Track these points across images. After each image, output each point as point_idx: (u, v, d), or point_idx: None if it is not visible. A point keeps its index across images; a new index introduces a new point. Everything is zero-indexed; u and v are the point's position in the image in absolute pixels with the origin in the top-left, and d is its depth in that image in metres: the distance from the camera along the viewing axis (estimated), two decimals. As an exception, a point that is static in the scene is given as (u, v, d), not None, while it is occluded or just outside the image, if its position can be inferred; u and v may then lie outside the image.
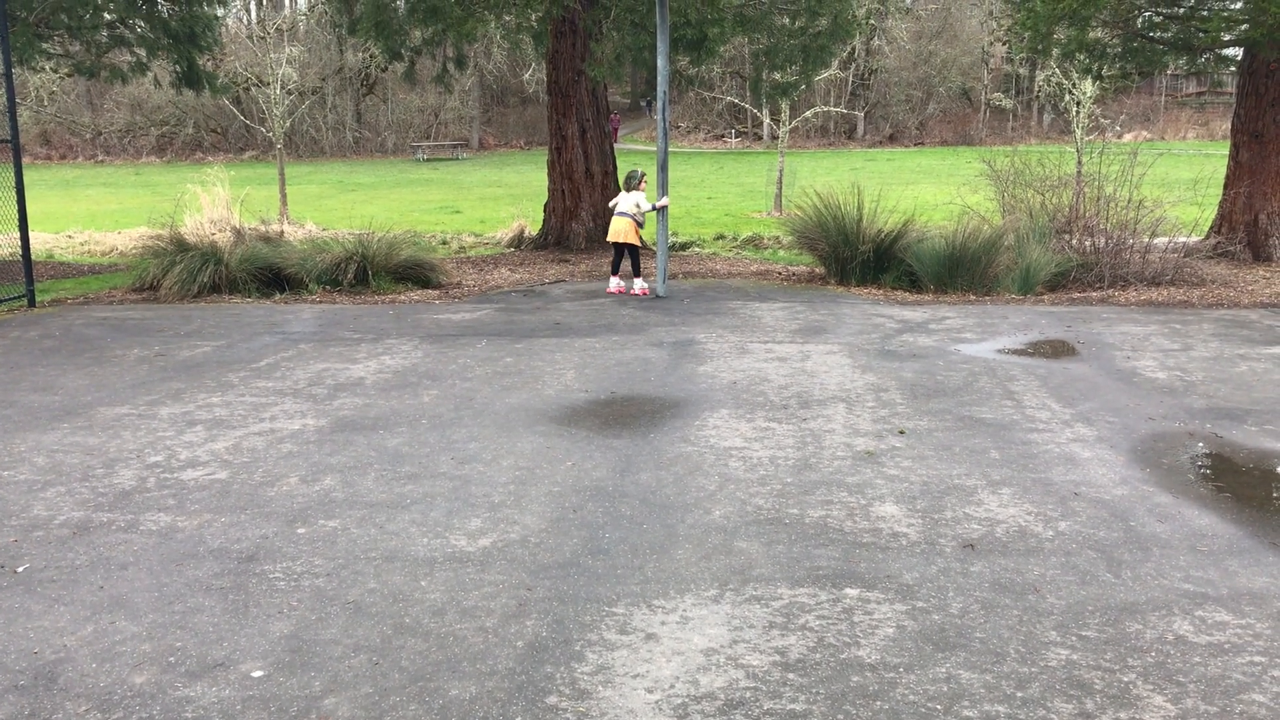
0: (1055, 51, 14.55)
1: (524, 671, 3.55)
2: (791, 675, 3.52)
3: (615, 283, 11.95)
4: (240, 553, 4.57)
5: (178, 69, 13.79)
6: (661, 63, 11.18)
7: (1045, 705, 3.33)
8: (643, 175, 11.83)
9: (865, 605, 4.04)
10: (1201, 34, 12.72)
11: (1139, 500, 5.14)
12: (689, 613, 3.98)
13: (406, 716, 3.29)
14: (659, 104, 11.31)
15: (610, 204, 11.89)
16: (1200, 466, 5.69)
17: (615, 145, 45.27)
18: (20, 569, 4.43)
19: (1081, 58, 14.52)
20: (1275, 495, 5.31)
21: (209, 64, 17.39)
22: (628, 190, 11.74)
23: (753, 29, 14.50)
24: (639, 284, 11.72)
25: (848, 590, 4.17)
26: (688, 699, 3.38)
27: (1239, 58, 13.67)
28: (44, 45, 14.53)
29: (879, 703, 3.35)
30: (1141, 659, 3.62)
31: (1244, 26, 12.23)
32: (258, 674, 3.55)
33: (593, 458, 5.85)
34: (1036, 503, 5.12)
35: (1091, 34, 13.66)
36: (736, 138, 49.42)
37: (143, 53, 13.91)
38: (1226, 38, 12.73)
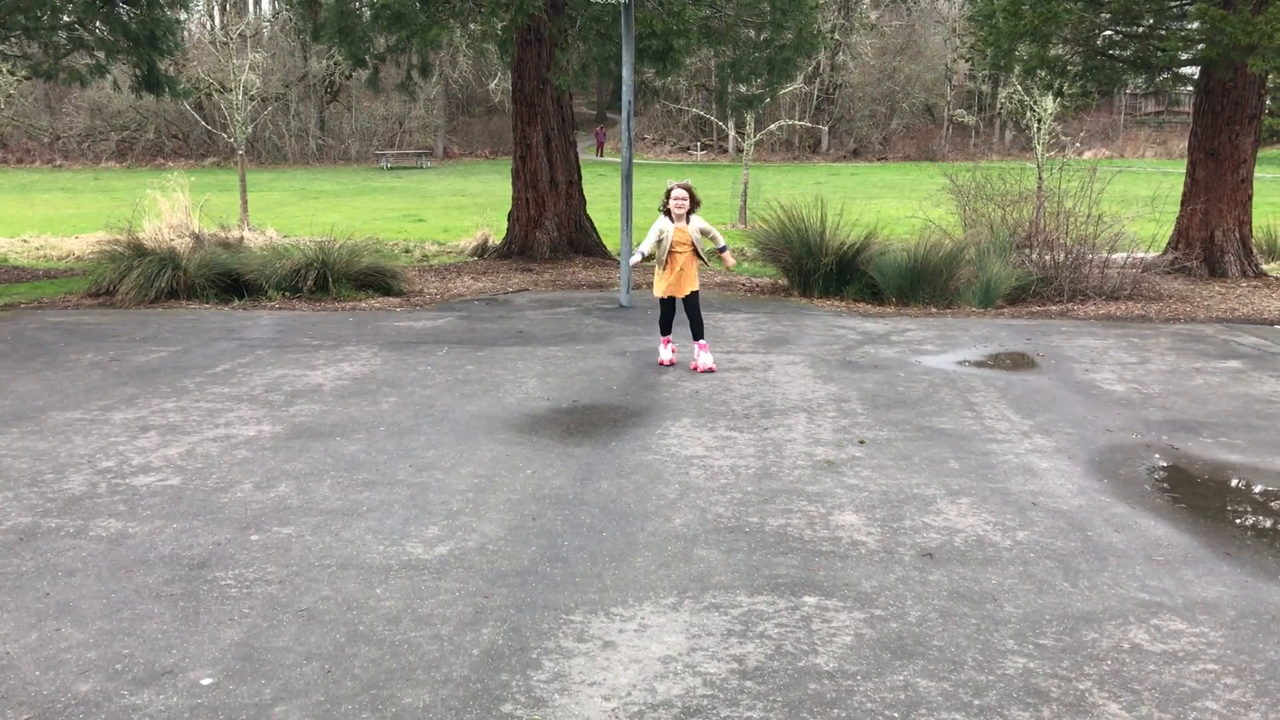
0: (1017, 68, 14.71)
1: (479, 679, 3.51)
2: (749, 683, 3.50)
3: (668, 352, 8.43)
4: (192, 559, 4.49)
5: (138, 72, 13.63)
6: (626, 73, 11.18)
7: (1002, 713, 3.33)
8: (680, 191, 8.11)
9: (824, 613, 4.02)
10: (1160, 53, 12.91)
11: (1096, 510, 5.17)
12: (647, 620, 3.95)
13: (358, 725, 3.23)
14: (623, 114, 11.31)
15: (658, 239, 8.05)
16: (1156, 477, 5.74)
17: (597, 157, 44.93)
18: (-36, 575, 4.32)
19: (1043, 74, 14.69)
20: (1229, 506, 5.36)
21: (170, 68, 17.17)
22: (677, 216, 8.06)
23: (718, 41, 14.55)
24: (706, 359, 8.20)
25: (806, 598, 4.15)
26: (645, 707, 3.35)
27: (1196, 76, 13.87)
28: (0, 46, 14.33)
29: (836, 710, 3.34)
30: (1098, 667, 3.63)
31: (1200, 46, 12.42)
32: (207, 681, 3.48)
33: (553, 466, 5.80)
34: (995, 512, 5.13)
35: (1053, 51, 13.82)
36: (702, 150, 49.58)
37: (102, 55, 13.73)
38: (1184, 56, 12.92)
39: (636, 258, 8.15)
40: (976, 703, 3.39)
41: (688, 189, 8.12)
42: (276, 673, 3.54)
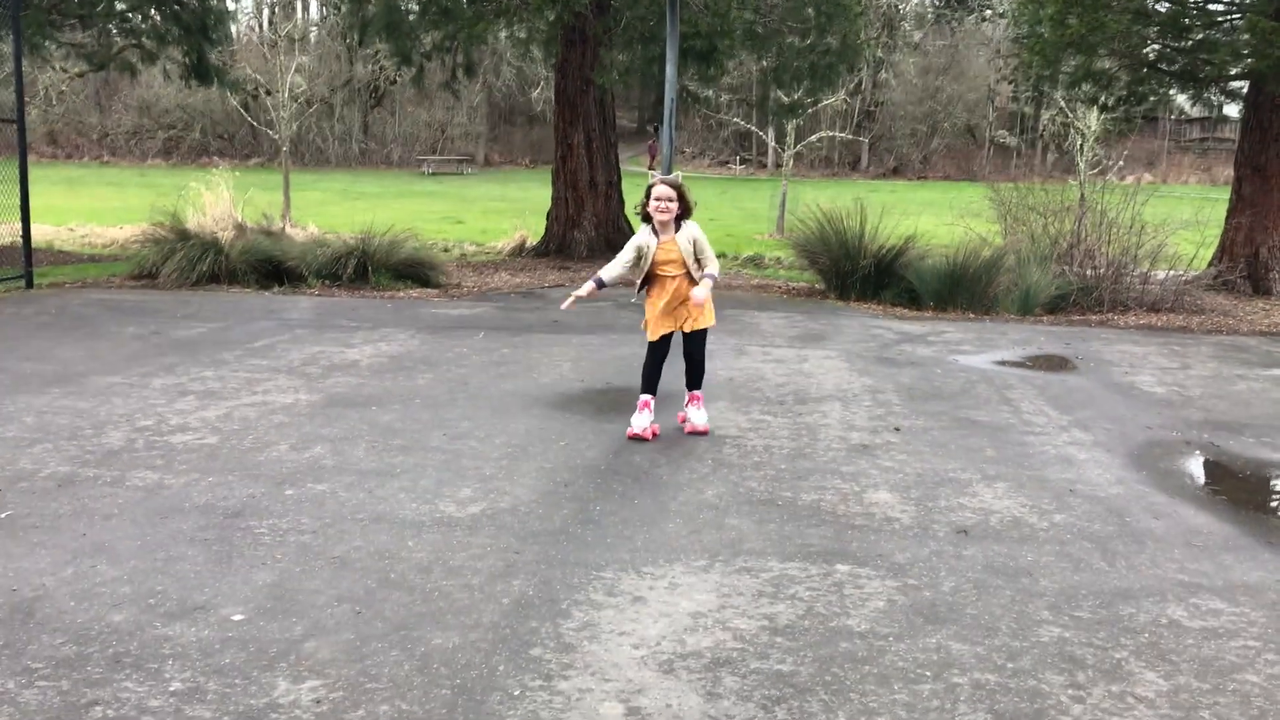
0: (1062, 80, 14.62)
1: (509, 625, 3.50)
2: (779, 639, 3.47)
3: (646, 418, 5.93)
4: (226, 509, 4.52)
5: (187, 61, 13.82)
6: (670, 70, 11.22)
7: (1036, 676, 3.28)
8: (664, 190, 5.76)
9: (856, 580, 3.99)
10: (1208, 66, 12.79)
11: (1135, 499, 5.10)
12: (678, 580, 3.93)
13: (388, 661, 3.24)
14: (665, 110, 11.34)
15: (634, 258, 5.86)
16: (1197, 471, 5.66)
17: (648, 170, 44.90)
18: (2, 515, 4.37)
19: (1088, 87, 14.58)
20: (1273, 500, 5.27)
21: (219, 62, 17.43)
22: (661, 225, 5.80)
23: (761, 45, 14.56)
24: (700, 416, 6.11)
25: (839, 566, 4.12)
26: (674, 656, 3.33)
27: (1245, 91, 13.72)
28: (56, 34, 14.57)
29: (868, 667, 3.30)
30: (1134, 639, 3.57)
31: (1249, 60, 12.28)
32: (238, 617, 3.50)
33: (586, 439, 5.80)
34: (1032, 497, 5.07)
35: (1098, 64, 13.71)
36: (741, 165, 49.60)
37: (153, 44, 13.93)
38: (1232, 71, 12.79)
39: (585, 289, 5.82)
40: (1010, 665, 3.34)
41: (676, 188, 5.77)
42: (307, 612, 3.55)
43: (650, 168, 46.19)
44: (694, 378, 6.11)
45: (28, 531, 4.20)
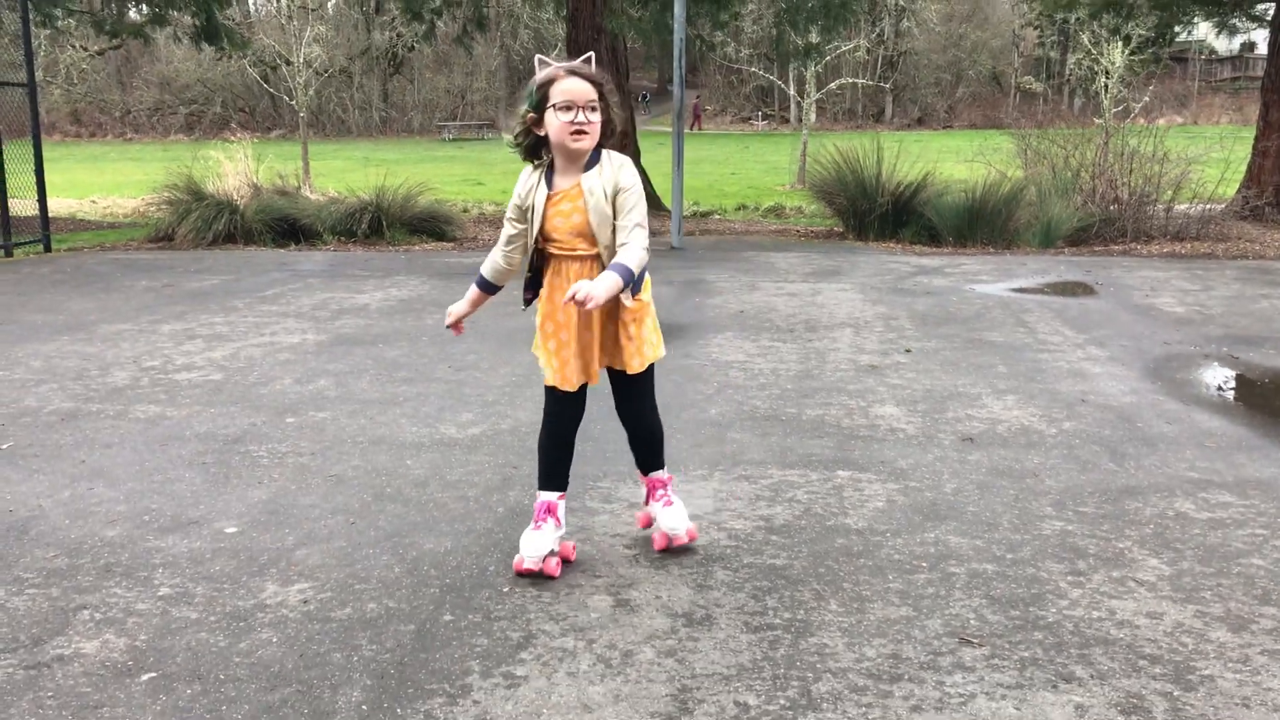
0: (1082, 13, 14.33)
1: (501, 531, 3.48)
2: (775, 537, 3.43)
3: (547, 537, 3.14)
4: (227, 436, 4.52)
5: (196, 23, 13.79)
6: (679, 10, 11.08)
7: (1036, 565, 3.22)
8: (576, 85, 2.89)
9: (856, 484, 3.93)
10: (1231, -12, 12.48)
11: (1148, 406, 5.00)
12: (676, 488, 3.88)
13: (378, 565, 3.22)
14: (675, 51, 11.21)
15: (517, 204, 3.08)
16: (1213, 381, 5.55)
17: (690, 130, 43.72)
18: (3, 447, 4.39)
19: (1108, 18, 14.29)
20: (1290, 405, 5.16)
21: (230, 25, 17.36)
22: (570, 155, 2.97)
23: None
24: (675, 518, 3.30)
25: (839, 472, 4.06)
26: (666, 554, 3.29)
27: (1270, 14, 13.38)
28: (67, 3, 14.56)
29: (863, 560, 3.25)
30: (1139, 530, 3.50)
31: (1275, -21, 11.96)
32: (231, 530, 3.49)
33: (591, 368, 5.76)
34: (1042, 407, 4.99)
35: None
36: (764, 120, 49.19)
37: (161, 7, 13.90)
38: (1257, -8, 12.48)
39: (464, 302, 3.36)
40: (1010, 556, 3.28)
41: (598, 85, 2.94)
42: (300, 524, 3.54)
43: (693, 127, 45.30)
44: (649, 451, 3.42)
45: (27, 460, 4.22)
